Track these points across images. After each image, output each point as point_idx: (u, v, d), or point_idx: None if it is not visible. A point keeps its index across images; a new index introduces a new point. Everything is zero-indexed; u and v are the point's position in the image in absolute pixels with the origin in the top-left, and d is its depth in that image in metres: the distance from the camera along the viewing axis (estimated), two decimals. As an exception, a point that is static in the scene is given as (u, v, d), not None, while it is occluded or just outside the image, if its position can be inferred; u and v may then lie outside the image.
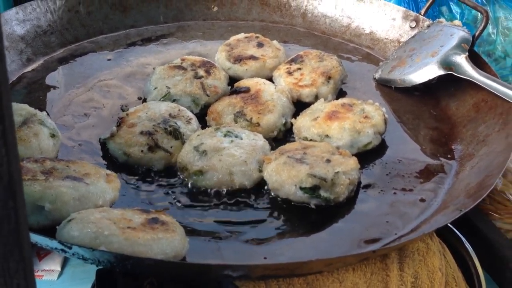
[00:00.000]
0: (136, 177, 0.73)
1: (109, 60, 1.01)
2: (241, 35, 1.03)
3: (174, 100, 0.87)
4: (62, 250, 0.51)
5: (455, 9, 1.28)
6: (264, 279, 0.55)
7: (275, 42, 1.02)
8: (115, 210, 0.62)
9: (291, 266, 0.57)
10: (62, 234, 0.55)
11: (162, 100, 0.86)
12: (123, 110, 0.83)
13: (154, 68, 0.92)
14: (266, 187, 0.71)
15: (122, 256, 0.52)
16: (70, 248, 0.50)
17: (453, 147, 0.80)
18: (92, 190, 0.63)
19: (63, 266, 0.69)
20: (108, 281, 0.64)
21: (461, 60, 0.83)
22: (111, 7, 1.09)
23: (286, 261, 0.60)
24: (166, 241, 0.55)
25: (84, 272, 0.71)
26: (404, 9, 1.04)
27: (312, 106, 0.86)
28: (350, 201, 0.70)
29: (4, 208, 0.29)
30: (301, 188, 0.69)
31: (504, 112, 0.76)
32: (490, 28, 1.28)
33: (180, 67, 0.92)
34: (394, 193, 0.71)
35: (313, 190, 0.69)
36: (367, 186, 0.73)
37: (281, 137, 0.83)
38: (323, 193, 0.69)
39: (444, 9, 1.30)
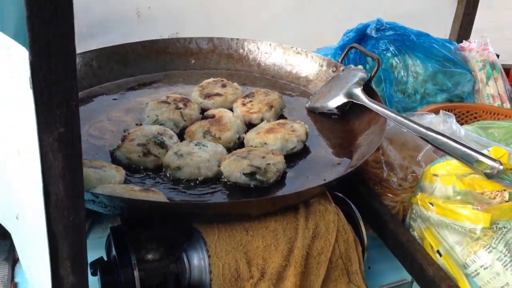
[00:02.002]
0: (135, 174, 1.05)
1: (114, 99, 1.30)
2: (211, 79, 1.33)
3: (161, 124, 1.19)
4: (92, 200, 0.84)
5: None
6: (217, 219, 0.88)
7: (235, 84, 1.34)
8: (122, 185, 0.96)
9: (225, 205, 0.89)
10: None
11: (153, 124, 1.20)
12: (125, 131, 1.17)
13: (147, 103, 1.25)
14: (222, 176, 1.05)
15: (129, 200, 0.83)
16: (97, 197, 0.83)
17: (352, 149, 1.13)
18: (107, 174, 0.96)
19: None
20: (119, 234, 0.96)
21: (358, 91, 1.19)
22: (116, 62, 1.39)
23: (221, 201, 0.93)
24: (154, 197, 0.89)
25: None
26: (329, 58, 1.40)
27: (258, 126, 1.21)
28: (278, 183, 1.01)
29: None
30: (243, 174, 0.97)
31: (383, 123, 1.12)
32: (402, 72, 1.65)
33: (165, 102, 1.22)
34: (307, 177, 1.04)
35: (251, 175, 0.97)
36: (290, 174, 1.04)
37: (236, 147, 1.13)
38: (258, 177, 0.98)
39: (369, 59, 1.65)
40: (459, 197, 0.87)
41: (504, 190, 0.88)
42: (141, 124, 1.19)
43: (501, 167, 0.88)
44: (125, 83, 1.39)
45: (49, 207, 0.65)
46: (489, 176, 0.89)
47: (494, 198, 0.87)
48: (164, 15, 1.78)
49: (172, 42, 1.48)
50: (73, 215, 0.67)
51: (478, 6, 1.86)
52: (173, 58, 1.47)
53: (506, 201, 0.86)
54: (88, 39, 1.60)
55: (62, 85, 0.60)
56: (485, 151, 0.93)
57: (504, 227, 0.84)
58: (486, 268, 0.84)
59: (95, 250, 0.94)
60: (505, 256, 0.82)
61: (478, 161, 0.91)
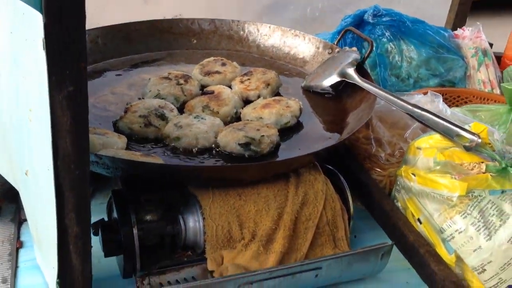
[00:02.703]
0: (136, 143, 1.10)
1: (118, 75, 1.35)
2: (211, 58, 1.38)
3: (162, 98, 1.25)
4: (96, 162, 0.90)
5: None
6: (212, 184, 0.95)
7: (234, 63, 1.40)
8: (124, 150, 1.02)
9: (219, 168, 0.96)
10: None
11: (154, 98, 1.27)
12: (127, 104, 1.23)
13: (149, 79, 1.31)
14: (219, 147, 1.11)
15: (130, 162, 0.90)
16: (100, 158, 0.89)
17: (343, 125, 1.19)
18: (110, 140, 1.01)
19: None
20: (120, 196, 1.02)
21: (351, 71, 1.24)
22: (120, 40, 1.44)
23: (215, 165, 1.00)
24: (154, 161, 0.95)
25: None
26: (325, 41, 1.46)
27: (254, 102, 1.27)
28: (271, 154, 1.06)
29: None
30: (239, 144, 1.02)
31: (373, 101, 1.18)
32: (397, 57, 1.70)
33: (167, 78, 1.27)
34: (299, 149, 1.10)
35: (246, 146, 1.02)
36: (283, 146, 1.09)
37: (233, 121, 1.19)
38: (253, 147, 1.03)
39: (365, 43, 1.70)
40: (438, 167, 0.93)
41: (482, 162, 0.94)
42: (143, 98, 1.25)
43: (479, 140, 0.94)
44: (129, 60, 1.44)
45: (57, 160, 0.71)
46: (468, 149, 0.95)
47: (472, 169, 0.93)
48: (168, -3, 1.83)
49: (175, 23, 1.54)
50: (79, 169, 0.73)
51: None
52: (176, 38, 1.52)
53: (483, 172, 0.92)
54: (94, 18, 1.65)
55: (72, 47, 0.66)
56: (466, 127, 0.99)
57: (479, 195, 0.90)
58: (461, 232, 0.90)
59: (97, 214, 0.99)
60: (479, 221, 0.88)
61: (458, 135, 0.97)
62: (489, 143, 0.98)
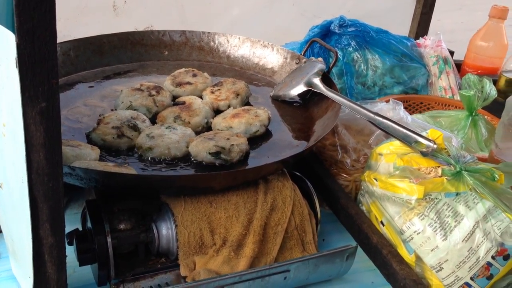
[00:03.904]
0: (109, 154, 1.12)
1: (91, 87, 1.38)
2: (182, 69, 1.42)
3: (135, 109, 1.29)
4: (69, 173, 0.93)
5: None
6: (184, 192, 0.98)
7: (205, 74, 1.43)
8: (97, 161, 1.05)
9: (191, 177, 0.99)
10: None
11: (127, 110, 1.30)
12: (100, 116, 1.25)
13: (121, 90, 1.34)
14: (190, 156, 1.15)
15: (103, 173, 0.92)
16: (74, 170, 0.92)
17: (310, 133, 1.23)
18: (83, 152, 1.03)
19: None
20: (93, 206, 1.05)
21: (317, 81, 1.30)
22: (92, 52, 1.46)
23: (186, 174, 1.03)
24: (127, 171, 0.98)
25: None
26: (292, 51, 1.51)
27: (225, 111, 1.31)
28: (241, 162, 1.09)
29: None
30: (209, 153, 1.06)
31: (338, 109, 1.23)
32: (362, 66, 1.77)
33: (139, 89, 1.30)
34: (267, 156, 1.14)
35: (216, 155, 1.05)
36: (252, 154, 1.13)
37: (204, 131, 1.23)
38: (223, 156, 1.07)
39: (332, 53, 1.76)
40: (398, 172, 0.99)
41: (438, 166, 1.00)
42: (116, 110, 1.28)
43: (435, 146, 1.00)
44: (101, 72, 1.47)
45: (31, 173, 0.74)
46: (424, 154, 1.01)
47: (429, 173, 0.99)
48: (139, 9, 1.86)
49: (146, 34, 1.57)
50: (53, 181, 0.75)
51: (449, 8, 1.98)
52: (147, 50, 1.56)
53: (439, 176, 0.98)
54: (65, 30, 1.68)
55: (44, 65, 0.69)
56: (423, 133, 1.05)
57: (436, 198, 0.96)
58: (419, 233, 0.95)
59: (72, 224, 1.03)
60: (435, 222, 0.94)
61: (416, 141, 1.03)
62: (445, 149, 1.04)
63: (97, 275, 0.94)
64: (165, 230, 0.99)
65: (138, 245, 1.00)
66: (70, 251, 0.94)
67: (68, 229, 0.87)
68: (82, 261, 0.96)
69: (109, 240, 0.94)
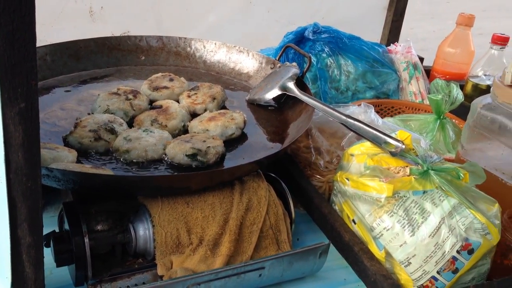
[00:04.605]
0: (86, 157, 1.14)
1: (67, 91, 1.38)
2: (159, 74, 1.44)
3: (112, 113, 1.31)
4: (47, 175, 0.94)
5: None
6: (161, 193, 1.00)
7: (182, 78, 1.47)
8: (74, 163, 1.06)
9: (167, 177, 1.02)
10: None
11: (104, 113, 1.31)
12: (77, 119, 1.27)
13: (98, 94, 1.36)
14: (167, 158, 1.17)
15: (80, 174, 0.94)
16: (51, 171, 0.93)
17: (284, 135, 1.27)
18: (61, 154, 1.05)
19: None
20: (71, 208, 1.06)
21: (291, 85, 1.33)
22: (69, 57, 1.47)
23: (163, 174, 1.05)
24: (104, 172, 1.00)
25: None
26: (268, 56, 1.55)
27: (201, 115, 1.34)
28: (217, 164, 1.12)
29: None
30: (186, 155, 1.09)
31: (311, 112, 1.27)
32: (336, 71, 1.81)
33: (116, 93, 1.32)
34: (243, 158, 1.18)
35: (193, 156, 1.08)
36: (228, 156, 1.16)
37: (181, 134, 1.25)
38: (199, 158, 1.10)
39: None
40: (368, 172, 1.03)
41: (407, 166, 1.04)
42: (93, 113, 1.29)
43: (403, 146, 1.04)
44: (78, 76, 1.48)
45: (9, 173, 0.75)
46: (393, 154, 1.05)
47: (398, 172, 1.03)
48: (116, 14, 1.87)
49: (123, 40, 1.59)
50: (31, 181, 0.77)
51: (421, 17, 2.05)
52: (124, 55, 1.57)
53: (408, 175, 1.02)
54: (41, 35, 1.68)
55: (23, 66, 0.70)
56: (393, 134, 1.09)
57: (404, 196, 1.00)
58: (388, 229, 0.99)
59: (48, 227, 1.02)
60: (404, 219, 0.98)
61: (386, 142, 1.07)
62: (413, 149, 1.08)
63: (75, 276, 0.95)
64: (142, 231, 1.01)
65: (116, 246, 1.01)
66: (47, 253, 0.95)
67: (45, 231, 0.88)
68: (59, 262, 0.97)
69: (86, 240, 0.95)
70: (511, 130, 1.13)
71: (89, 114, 1.30)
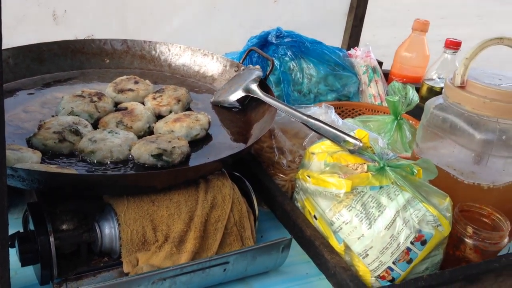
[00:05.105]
0: (50, 158, 1.14)
1: (31, 94, 1.38)
2: (124, 77, 1.45)
3: (76, 115, 1.32)
4: (11, 175, 0.94)
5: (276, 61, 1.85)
6: (126, 192, 1.02)
7: (147, 81, 1.49)
8: (39, 164, 1.07)
9: (132, 176, 1.03)
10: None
11: (68, 115, 1.32)
12: (41, 122, 1.27)
13: (62, 97, 1.36)
14: (133, 159, 1.18)
15: (45, 173, 0.95)
16: (16, 171, 0.94)
17: (248, 136, 1.30)
18: (25, 155, 1.05)
19: None
20: (35, 208, 1.06)
21: (254, 87, 1.37)
22: (31, 60, 1.47)
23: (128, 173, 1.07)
24: (69, 172, 1.01)
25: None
26: (231, 60, 1.59)
27: (166, 116, 1.36)
28: (182, 163, 1.14)
29: None
30: (151, 155, 1.11)
31: (274, 113, 1.31)
32: (298, 74, 1.86)
33: (80, 96, 1.33)
34: (208, 158, 1.21)
35: (159, 156, 1.10)
36: (193, 156, 1.18)
37: (146, 135, 1.27)
38: (165, 158, 1.12)
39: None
40: (328, 168, 1.07)
41: (364, 163, 1.09)
42: (57, 116, 1.29)
43: (361, 144, 1.09)
44: (41, 79, 1.48)
45: (-27, 175, 0.76)
46: (352, 152, 1.10)
47: (356, 169, 1.08)
48: (79, 18, 1.87)
49: (87, 43, 1.59)
50: (-4, 182, 0.78)
51: (382, 24, 2.13)
52: (89, 58, 1.58)
53: (365, 172, 1.07)
54: (4, 39, 1.66)
55: (-12, 68, 0.71)
56: (351, 133, 1.14)
57: (362, 191, 1.05)
58: (347, 223, 1.04)
59: (13, 228, 1.03)
60: (361, 213, 1.03)
61: (344, 140, 1.12)
62: (370, 147, 1.13)
63: (40, 275, 0.96)
64: (108, 229, 1.02)
65: (81, 245, 1.02)
66: (12, 254, 0.95)
67: (9, 232, 0.88)
68: (25, 262, 0.97)
69: (51, 239, 0.96)
70: (461, 129, 1.20)
71: (53, 116, 1.30)
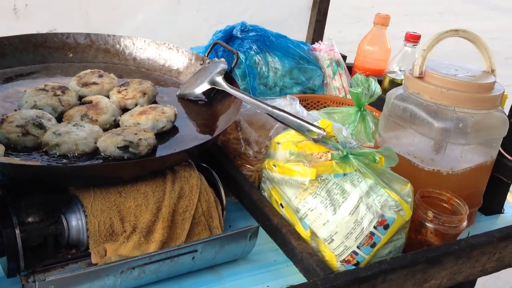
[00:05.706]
0: (14, 152, 1.14)
1: (-8, 88, 1.40)
2: (88, 70, 1.44)
3: (40, 109, 1.31)
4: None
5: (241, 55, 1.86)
6: (92, 183, 1.02)
7: (112, 75, 1.47)
8: (2, 157, 1.05)
9: (97, 166, 1.04)
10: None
11: (31, 109, 1.30)
12: (3, 116, 1.25)
13: (25, 91, 1.34)
14: (99, 152, 1.18)
15: (9, 165, 0.93)
16: (-20, 164, 0.92)
17: (214, 127, 1.32)
18: (-12, 149, 1.05)
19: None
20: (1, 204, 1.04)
21: (219, 79, 1.39)
22: (-8, 53, 1.49)
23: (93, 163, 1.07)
24: (34, 163, 1.00)
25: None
26: (197, 53, 1.59)
27: (132, 109, 1.36)
28: (149, 155, 1.14)
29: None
30: (118, 148, 1.11)
31: (239, 105, 1.32)
32: (264, 68, 1.89)
33: (43, 89, 1.31)
34: (174, 149, 1.21)
35: (125, 148, 1.09)
36: (160, 148, 1.18)
37: (112, 128, 1.28)
38: (131, 150, 1.12)
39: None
40: (293, 157, 1.10)
41: (328, 151, 1.12)
42: (19, 110, 1.27)
43: (325, 133, 1.12)
44: (2, 74, 1.45)
45: None
46: (316, 141, 1.13)
47: (320, 157, 1.10)
48: (41, 12, 1.84)
49: (49, 37, 1.57)
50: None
51: (349, 21, 2.17)
52: (51, 52, 1.55)
53: (329, 160, 1.10)
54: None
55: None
56: (315, 123, 1.17)
57: (326, 178, 1.07)
58: (312, 210, 1.06)
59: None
60: (326, 200, 1.06)
61: (309, 130, 1.14)
62: (334, 136, 1.16)
63: (7, 268, 0.95)
64: (75, 221, 1.02)
65: (48, 237, 1.01)
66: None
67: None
68: (-11, 255, 0.96)
69: (17, 232, 0.95)
70: (420, 117, 1.24)
71: (15, 110, 1.28)
